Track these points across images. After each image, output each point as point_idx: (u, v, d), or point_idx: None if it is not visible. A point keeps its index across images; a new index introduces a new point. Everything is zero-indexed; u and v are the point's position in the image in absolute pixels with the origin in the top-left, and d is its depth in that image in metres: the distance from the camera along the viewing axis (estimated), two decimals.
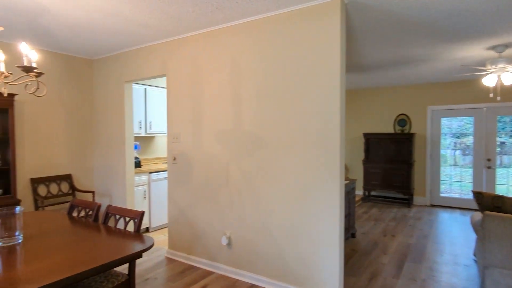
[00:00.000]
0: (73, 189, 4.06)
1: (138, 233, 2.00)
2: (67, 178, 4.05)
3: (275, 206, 2.73)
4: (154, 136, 5.28)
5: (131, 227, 2.61)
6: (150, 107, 4.77)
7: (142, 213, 2.12)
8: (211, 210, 3.16)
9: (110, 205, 2.34)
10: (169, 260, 3.41)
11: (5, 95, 2.07)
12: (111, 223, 2.38)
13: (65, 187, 4.04)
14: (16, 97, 3.57)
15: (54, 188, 3.93)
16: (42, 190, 3.81)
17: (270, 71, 2.73)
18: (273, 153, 2.74)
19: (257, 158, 2.83)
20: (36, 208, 3.58)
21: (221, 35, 3.03)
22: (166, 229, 4.58)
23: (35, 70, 2.00)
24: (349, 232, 3.97)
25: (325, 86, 2.46)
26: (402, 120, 6.57)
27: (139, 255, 1.70)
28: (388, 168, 6.29)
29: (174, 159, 3.45)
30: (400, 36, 3.26)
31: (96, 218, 2.42)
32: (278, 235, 2.72)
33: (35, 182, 3.73)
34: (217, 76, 3.09)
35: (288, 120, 2.64)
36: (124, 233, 2.03)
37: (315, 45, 2.50)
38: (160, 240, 4.11)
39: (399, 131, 6.57)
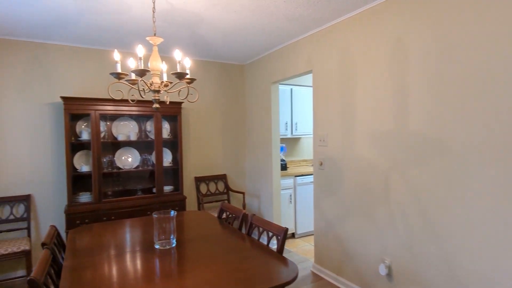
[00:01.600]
0: (228, 188, 4.32)
1: (282, 256, 1.73)
2: (223, 178, 4.35)
3: (465, 241, 1.93)
4: (299, 138, 5.10)
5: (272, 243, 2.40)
6: (296, 108, 4.59)
7: (285, 230, 1.84)
8: (364, 228, 2.62)
9: (254, 215, 2.19)
10: (316, 277, 3.07)
11: (167, 103, 2.21)
12: (255, 234, 2.22)
13: (221, 186, 4.35)
14: (182, 105, 4.06)
15: (212, 187, 4.28)
16: (203, 188, 4.22)
17: (451, 53, 1.95)
18: (458, 162, 1.95)
19: (432, 168, 2.09)
20: (198, 204, 3.98)
21: (378, 15, 2.44)
22: (312, 237, 4.28)
23: (187, 77, 2.03)
24: None
25: None
26: None
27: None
28: None
29: (321, 164, 3.08)
30: None
31: (241, 226, 2.33)
32: (471, 283, 1.91)
33: (198, 180, 4.15)
34: (372, 65, 2.51)
35: (483, 116, 1.80)
36: (267, 250, 1.81)
37: None
38: (305, 249, 3.84)
39: None
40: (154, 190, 3.61)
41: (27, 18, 2.65)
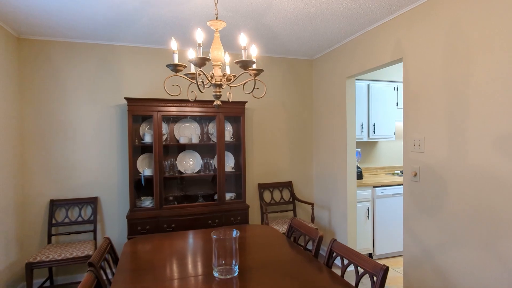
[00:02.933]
0: (293, 197, 3.89)
1: None
2: (288, 185, 3.93)
3: None
4: (377, 142, 4.42)
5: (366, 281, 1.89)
6: (373, 107, 3.96)
7: (386, 269, 1.33)
8: (482, 264, 1.94)
9: (335, 241, 1.72)
10: None
11: (229, 100, 1.88)
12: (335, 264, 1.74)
13: (286, 194, 3.93)
14: (246, 105, 3.75)
15: (276, 195, 3.89)
16: (267, 196, 3.85)
17: None
18: None
19: None
20: (261, 213, 3.61)
21: None
22: (394, 259, 3.60)
23: (254, 66, 1.66)
24: None
25: None
26: None
27: None
28: None
29: (415, 174, 2.45)
30: None
31: (316, 252, 1.87)
32: None
33: (261, 187, 3.80)
34: (498, 45, 1.85)
35: None
36: None
37: None
38: (388, 275, 3.20)
39: None
40: (216, 197, 3.35)
41: (92, 17, 2.58)
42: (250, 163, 3.79)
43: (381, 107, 3.99)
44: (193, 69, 1.85)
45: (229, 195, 3.49)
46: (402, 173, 4.32)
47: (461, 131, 2.09)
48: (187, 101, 3.12)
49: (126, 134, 3.34)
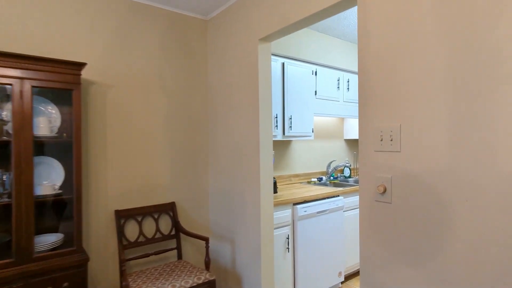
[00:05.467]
0: (177, 228, 2.47)
1: None
2: (169, 209, 2.50)
3: None
4: (290, 142, 3.43)
5: None
6: (289, 95, 2.92)
7: None
8: None
9: None
10: None
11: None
12: None
13: (165, 224, 2.49)
14: (87, 71, 2.17)
15: (149, 227, 2.41)
16: (131, 230, 2.32)
17: None
18: None
19: None
20: (120, 266, 2.05)
21: None
22: None
23: None
24: None
25: None
26: None
27: None
28: None
29: (383, 190, 1.41)
30: None
31: None
32: None
33: (122, 217, 2.26)
34: None
35: None
36: None
37: None
38: None
39: None
40: (13, 247, 1.66)
41: None
42: (100, 177, 2.20)
43: (298, 95, 2.99)
44: None
45: (48, 240, 1.84)
46: (320, 181, 3.43)
47: (482, 114, 1.12)
48: None
49: None
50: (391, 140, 1.39)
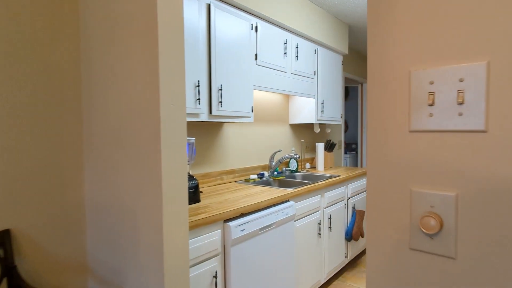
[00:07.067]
0: (11, 277, 1.35)
1: None
2: (0, 243, 1.36)
3: None
4: (221, 124, 2.49)
5: None
6: (219, 57, 1.96)
7: None
8: None
9: None
10: None
11: None
12: None
13: None
14: None
15: None
16: None
17: None
18: None
19: None
20: None
21: None
22: None
23: None
24: None
25: None
26: None
27: None
28: None
29: (439, 228, 0.57)
30: None
31: None
32: None
33: None
34: None
35: None
36: None
37: None
38: None
39: None
40: None
41: None
42: None
43: (231, 58, 2.05)
44: None
45: None
46: (261, 178, 2.58)
47: None
48: None
49: None
50: (462, 103, 0.55)
